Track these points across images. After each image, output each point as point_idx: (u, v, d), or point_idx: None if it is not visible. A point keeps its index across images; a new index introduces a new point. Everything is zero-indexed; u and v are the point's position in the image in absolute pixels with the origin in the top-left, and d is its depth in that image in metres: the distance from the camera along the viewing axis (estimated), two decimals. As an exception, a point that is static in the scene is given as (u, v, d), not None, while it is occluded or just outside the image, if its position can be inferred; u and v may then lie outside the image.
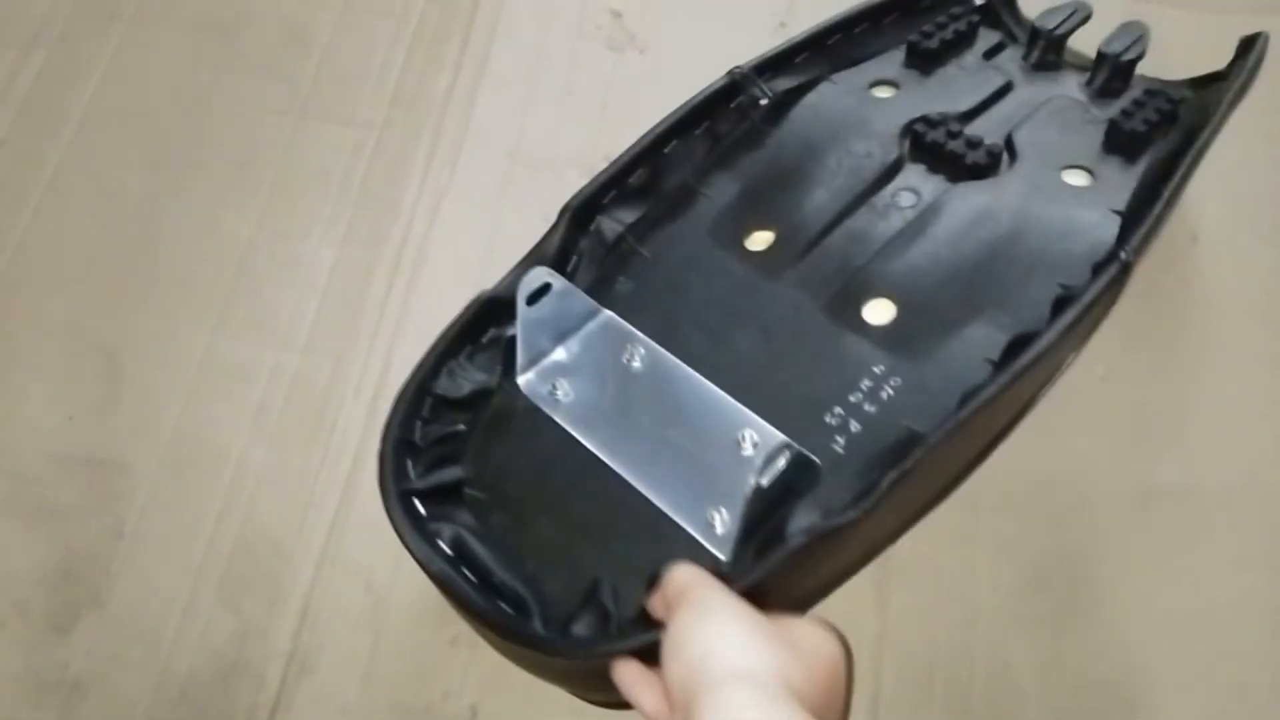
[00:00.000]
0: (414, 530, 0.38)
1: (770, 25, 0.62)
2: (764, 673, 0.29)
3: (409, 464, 0.40)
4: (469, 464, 0.41)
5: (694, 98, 0.50)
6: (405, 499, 0.39)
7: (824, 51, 0.54)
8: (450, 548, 0.38)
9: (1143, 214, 0.44)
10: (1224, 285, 0.55)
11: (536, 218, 0.46)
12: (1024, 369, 0.39)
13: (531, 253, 0.45)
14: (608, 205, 0.47)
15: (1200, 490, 0.49)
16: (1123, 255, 0.42)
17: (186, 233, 0.55)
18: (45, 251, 0.55)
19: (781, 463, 0.37)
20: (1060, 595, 0.47)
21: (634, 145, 0.48)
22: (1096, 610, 0.46)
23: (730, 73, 0.51)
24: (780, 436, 0.38)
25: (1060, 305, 0.42)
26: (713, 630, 0.30)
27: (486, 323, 0.44)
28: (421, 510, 0.39)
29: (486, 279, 0.44)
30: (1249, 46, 0.50)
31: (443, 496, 0.40)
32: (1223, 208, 0.56)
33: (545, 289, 0.41)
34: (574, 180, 0.54)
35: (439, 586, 0.37)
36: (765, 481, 0.36)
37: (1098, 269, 0.43)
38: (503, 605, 0.37)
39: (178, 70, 0.60)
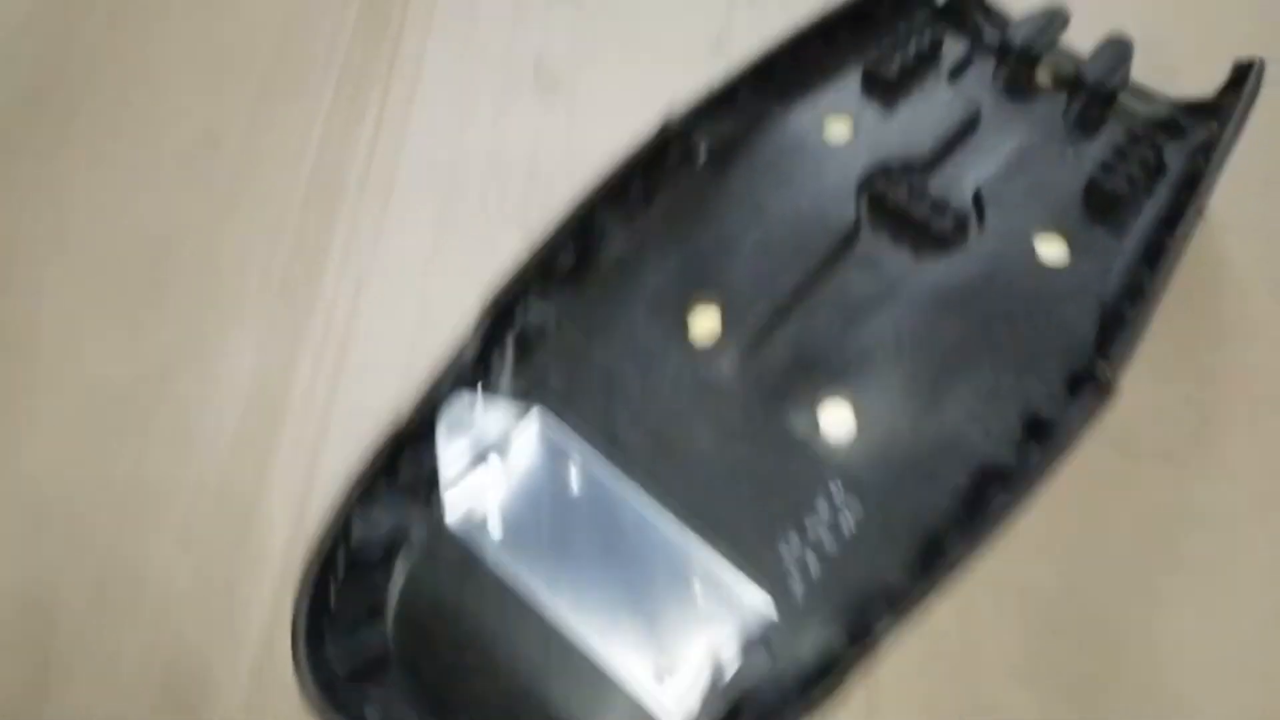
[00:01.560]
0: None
1: (706, 49, 0.58)
2: None
3: (326, 639, 0.36)
4: (394, 623, 0.37)
5: (621, 159, 0.44)
6: (324, 683, 0.35)
7: (769, 84, 0.48)
8: None
9: (1123, 315, 0.38)
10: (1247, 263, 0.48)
11: (467, 287, 0.42)
12: (995, 519, 0.35)
13: (451, 362, 0.40)
14: (534, 293, 0.42)
15: (1232, 509, 0.42)
16: (1099, 375, 0.37)
17: (107, 350, 0.52)
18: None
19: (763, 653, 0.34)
20: (1079, 640, 0.40)
21: (556, 222, 0.43)
22: (1123, 653, 0.39)
23: (662, 127, 0.45)
24: (750, 597, 0.35)
25: (1034, 430, 0.37)
26: None
27: (399, 458, 0.39)
28: (341, 696, 0.35)
29: (414, 366, 0.40)
30: (1243, 77, 0.44)
31: (367, 670, 0.36)
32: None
33: (466, 415, 0.37)
34: (505, 243, 0.50)
35: None
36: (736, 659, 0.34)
37: (1074, 384, 0.38)
38: None
39: (93, 183, 0.58)
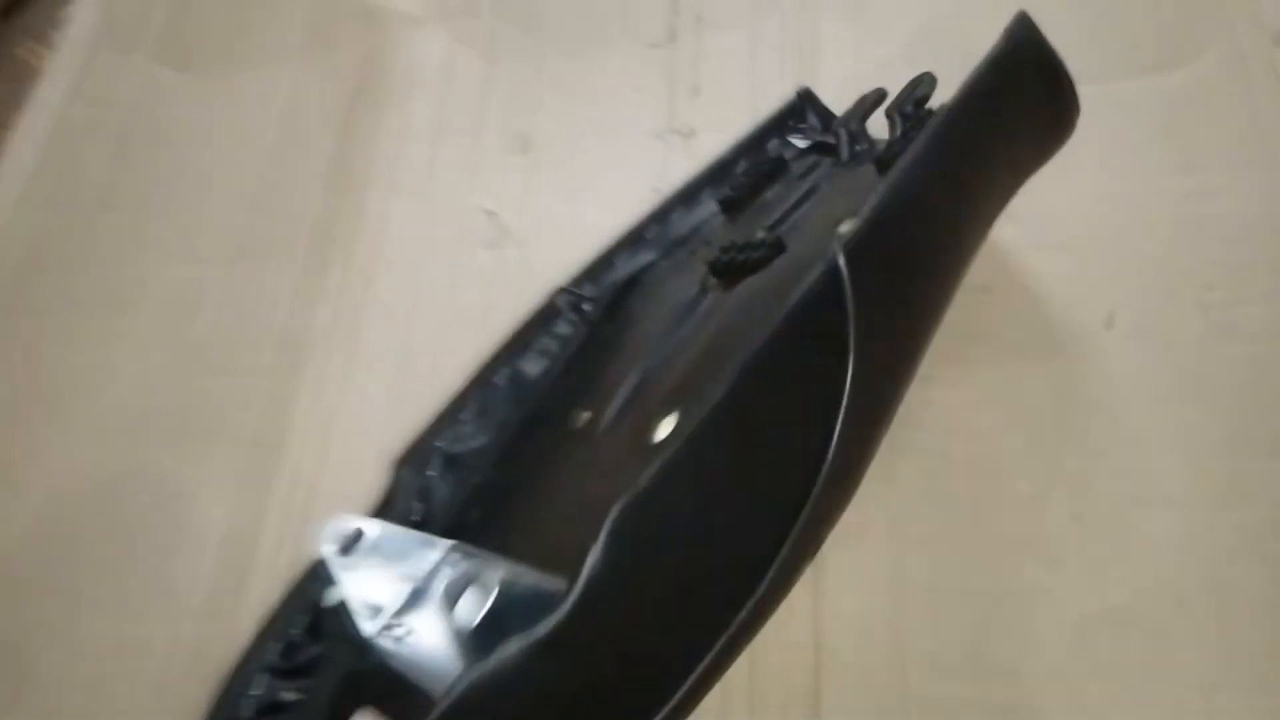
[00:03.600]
0: None
1: (645, 193, 0.62)
2: None
3: None
4: None
5: (518, 324, 0.50)
6: None
7: (644, 243, 0.54)
8: None
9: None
10: (1150, 367, 0.50)
11: None
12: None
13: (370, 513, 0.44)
14: (444, 444, 0.46)
15: (1154, 609, 0.44)
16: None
17: (84, 513, 0.56)
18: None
19: None
20: None
21: (464, 381, 0.48)
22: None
23: (551, 296, 0.50)
24: None
25: None
26: None
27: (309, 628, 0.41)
28: None
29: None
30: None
31: None
32: (1136, 282, 0.53)
33: (358, 535, 0.39)
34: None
35: None
36: None
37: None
38: None
39: (87, 353, 0.62)
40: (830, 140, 0.55)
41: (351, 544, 0.39)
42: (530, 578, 0.34)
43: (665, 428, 0.37)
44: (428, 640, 0.38)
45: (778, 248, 0.43)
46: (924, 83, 0.50)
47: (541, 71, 0.69)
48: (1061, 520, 0.47)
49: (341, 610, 0.39)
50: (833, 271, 0.31)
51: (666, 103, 0.66)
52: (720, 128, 0.64)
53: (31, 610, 0.53)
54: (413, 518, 0.44)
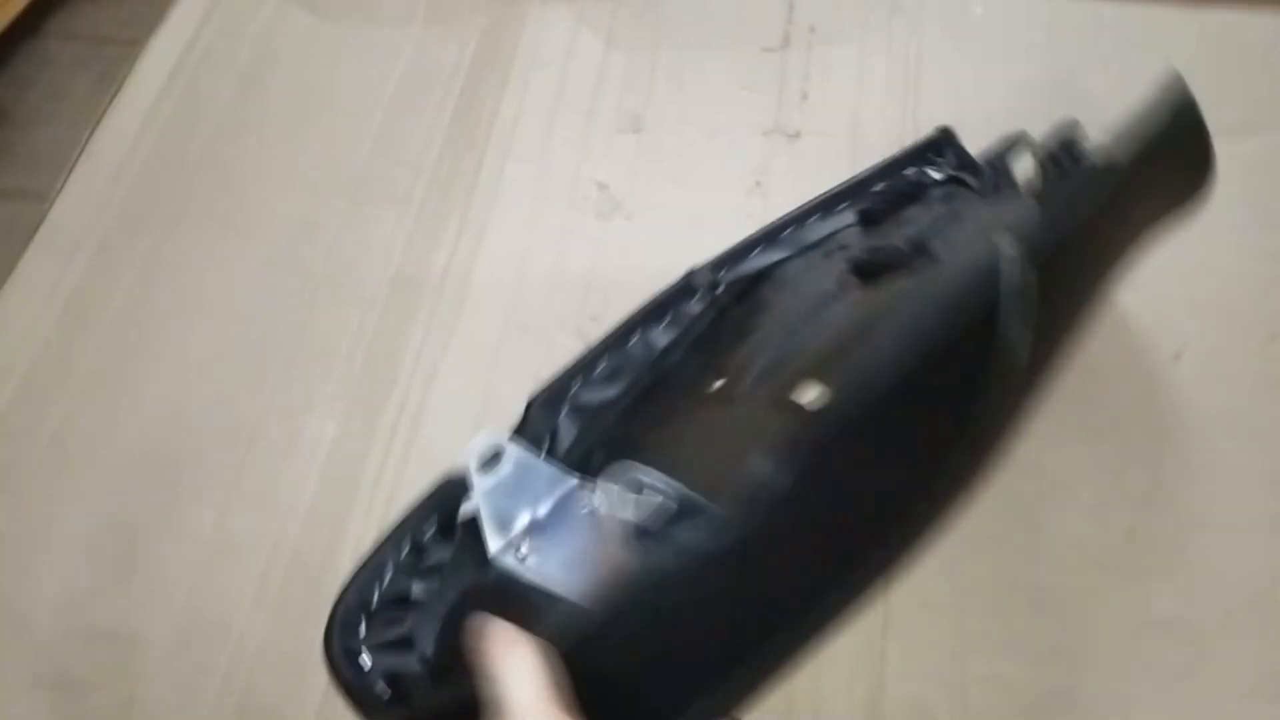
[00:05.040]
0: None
1: (747, 185, 0.66)
2: None
3: (363, 651, 0.39)
4: (424, 645, 0.40)
5: (655, 296, 0.52)
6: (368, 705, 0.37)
7: (779, 242, 0.56)
8: None
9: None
10: (1210, 404, 0.54)
11: (528, 380, 0.48)
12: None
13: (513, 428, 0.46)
14: (575, 393, 0.49)
15: (1199, 620, 0.48)
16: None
17: (203, 416, 0.59)
18: (78, 439, 0.60)
19: None
20: None
21: (600, 340, 0.50)
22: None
23: (687, 275, 0.53)
24: None
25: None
26: None
27: (447, 506, 0.43)
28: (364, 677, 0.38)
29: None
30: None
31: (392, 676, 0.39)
32: (1205, 324, 0.57)
33: (498, 454, 0.42)
34: (562, 343, 0.58)
35: None
36: None
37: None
38: None
39: (199, 269, 0.66)
40: (966, 177, 0.58)
41: (492, 461, 0.42)
42: (673, 494, 0.38)
43: (810, 393, 0.40)
44: (556, 558, 0.42)
45: (926, 254, 0.47)
46: (1073, 129, 0.53)
47: (658, 60, 0.72)
48: (1117, 533, 0.51)
49: (472, 524, 0.43)
50: (999, 266, 0.34)
51: (775, 103, 0.69)
52: (824, 133, 0.68)
53: (148, 495, 0.57)
54: (542, 455, 0.47)
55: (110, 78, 0.76)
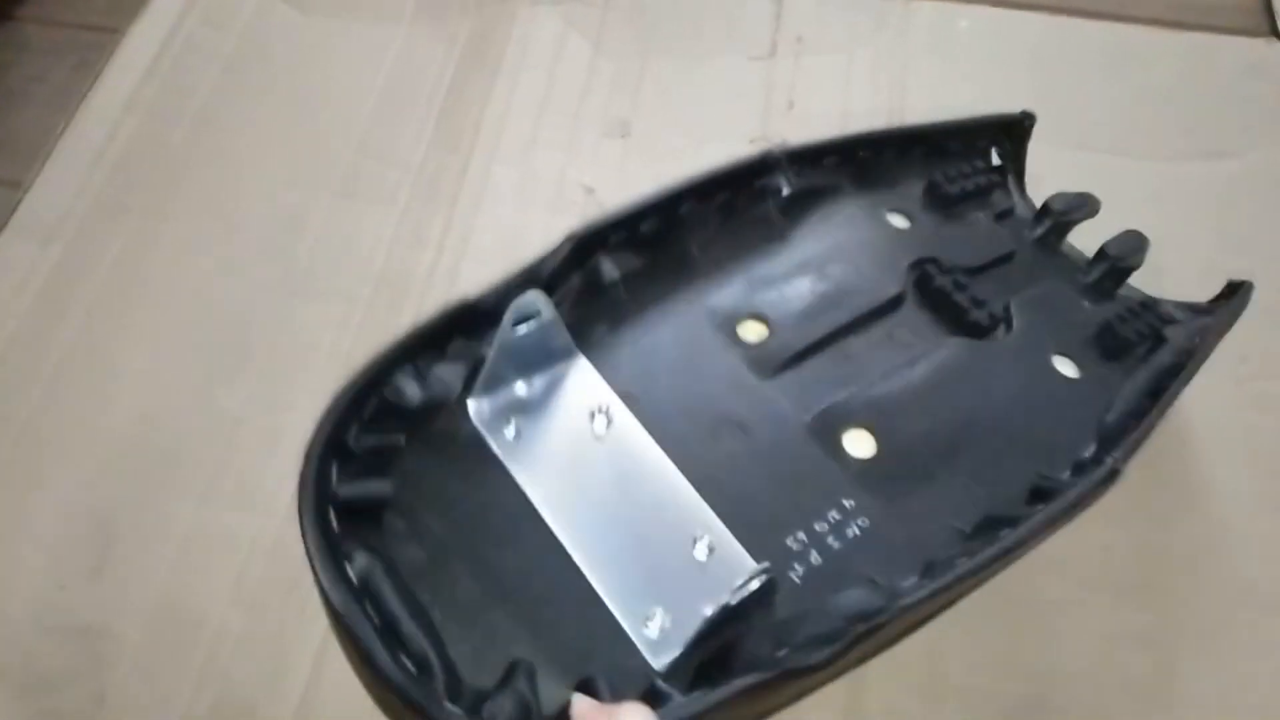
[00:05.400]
0: (325, 548, 0.34)
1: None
2: None
3: (335, 469, 0.38)
4: (398, 482, 0.39)
5: (721, 165, 0.51)
6: (323, 509, 0.36)
7: (851, 162, 0.56)
8: (358, 581, 0.35)
9: (1130, 423, 0.45)
10: (1182, 422, 0.55)
11: None
12: (995, 557, 0.39)
13: (526, 270, 0.44)
14: (612, 246, 0.47)
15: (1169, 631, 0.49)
16: (1111, 460, 0.42)
17: (182, 409, 0.58)
18: (51, 428, 0.58)
19: (754, 585, 0.35)
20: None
21: (650, 195, 0.49)
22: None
23: (765, 152, 0.52)
24: (750, 563, 0.37)
25: (1039, 495, 0.43)
26: None
27: (456, 331, 0.42)
28: (336, 527, 0.36)
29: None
30: (1234, 291, 0.52)
31: (361, 515, 0.38)
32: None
33: (532, 315, 0.40)
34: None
35: (336, 626, 0.34)
36: (735, 602, 0.34)
37: (1079, 468, 0.44)
38: (406, 662, 0.33)
39: (180, 259, 0.65)
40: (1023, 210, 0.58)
41: (524, 320, 0.40)
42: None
43: (858, 443, 0.44)
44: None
45: (997, 322, 0.50)
46: (1138, 246, 0.54)
47: (645, 66, 0.73)
48: (1092, 546, 0.52)
49: (473, 368, 0.41)
50: (1111, 477, 0.41)
51: (761, 112, 0.70)
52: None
53: (124, 487, 0.56)
54: (557, 301, 0.44)
55: (89, 65, 0.75)
